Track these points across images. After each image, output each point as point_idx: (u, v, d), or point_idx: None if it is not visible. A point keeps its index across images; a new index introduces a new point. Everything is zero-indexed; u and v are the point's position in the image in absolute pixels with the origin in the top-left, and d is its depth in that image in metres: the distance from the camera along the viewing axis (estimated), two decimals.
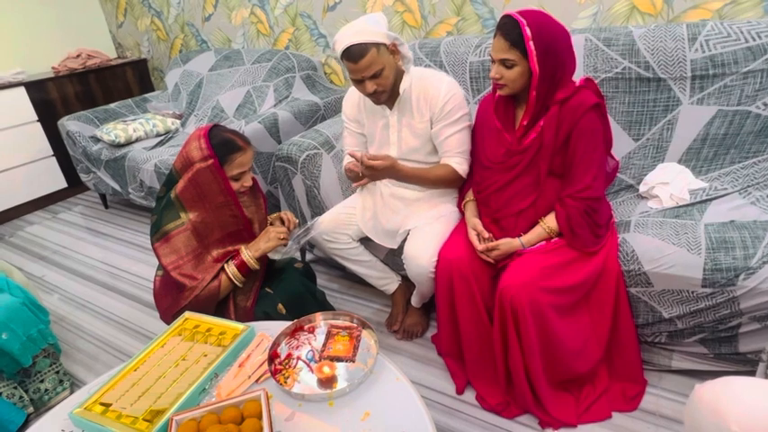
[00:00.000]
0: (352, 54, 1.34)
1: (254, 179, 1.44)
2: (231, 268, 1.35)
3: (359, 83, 1.41)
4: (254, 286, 1.42)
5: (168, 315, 1.38)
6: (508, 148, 1.34)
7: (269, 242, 1.37)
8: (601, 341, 1.34)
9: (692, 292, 1.24)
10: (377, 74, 1.37)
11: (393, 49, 1.40)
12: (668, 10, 1.74)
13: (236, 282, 1.35)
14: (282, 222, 1.51)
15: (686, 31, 1.54)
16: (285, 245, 1.40)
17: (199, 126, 2.62)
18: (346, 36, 1.34)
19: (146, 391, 1.02)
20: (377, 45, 1.34)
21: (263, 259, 1.42)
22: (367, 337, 1.13)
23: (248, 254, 1.36)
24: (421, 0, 2.23)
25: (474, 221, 1.43)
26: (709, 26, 1.52)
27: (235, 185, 1.34)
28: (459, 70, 1.90)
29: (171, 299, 1.35)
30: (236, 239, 1.40)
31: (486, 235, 1.38)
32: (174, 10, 3.20)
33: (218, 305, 1.37)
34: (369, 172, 1.40)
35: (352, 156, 1.41)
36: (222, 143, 1.31)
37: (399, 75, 1.46)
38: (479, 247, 1.36)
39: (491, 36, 1.88)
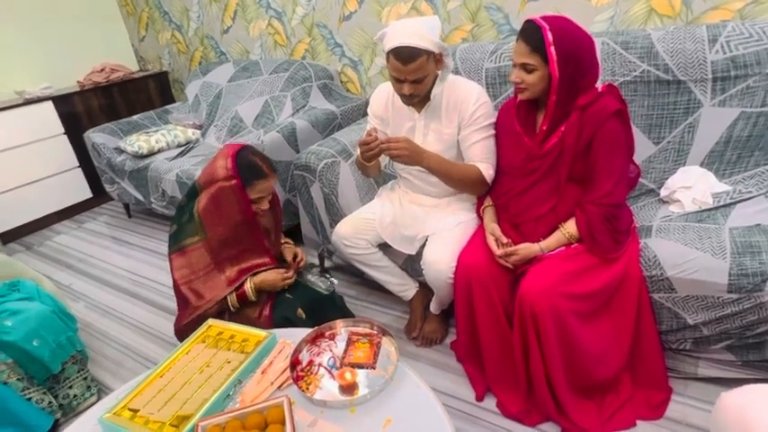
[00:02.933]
0: (403, 55, 1.32)
1: (274, 193, 1.47)
2: (232, 298, 1.40)
3: (398, 81, 1.40)
4: (264, 302, 1.44)
5: (176, 328, 1.44)
6: (528, 152, 1.34)
7: (274, 285, 1.42)
8: (623, 348, 1.32)
9: (718, 298, 1.22)
10: (418, 80, 1.37)
11: (438, 59, 1.39)
12: (687, 11, 1.72)
13: (231, 307, 1.41)
14: (295, 256, 1.56)
15: (706, 32, 1.52)
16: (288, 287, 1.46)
17: (218, 145, 2.69)
18: (401, 34, 1.32)
19: (172, 396, 1.04)
20: (428, 53, 1.34)
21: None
22: (387, 344, 1.14)
23: (251, 286, 1.40)
24: (436, 7, 2.24)
25: (492, 226, 1.43)
26: (729, 27, 1.50)
27: (252, 207, 1.38)
28: (476, 77, 1.90)
29: (180, 314, 1.40)
30: (250, 255, 1.43)
31: (505, 240, 1.38)
32: (194, 23, 3.28)
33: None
34: (388, 150, 1.39)
35: (370, 134, 1.41)
36: (248, 166, 1.34)
37: (435, 81, 1.46)
38: (498, 251, 1.36)
39: (506, 42, 1.89)
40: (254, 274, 1.43)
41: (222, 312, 1.42)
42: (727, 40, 1.49)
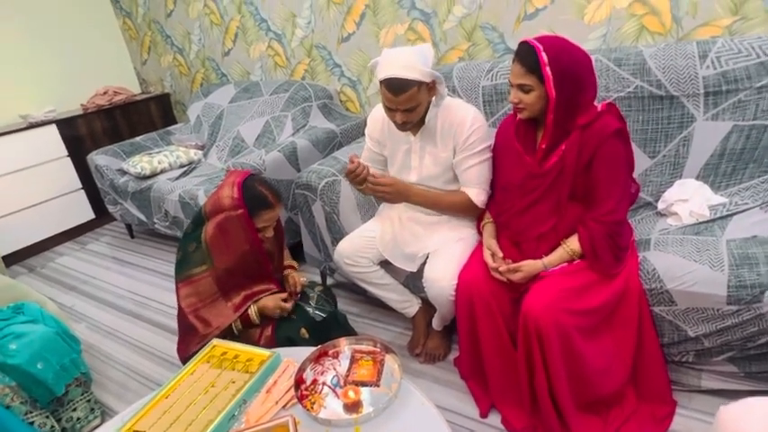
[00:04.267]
0: (393, 86, 1.34)
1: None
2: (237, 324, 1.42)
3: (390, 110, 1.43)
4: (266, 323, 1.46)
5: (181, 356, 1.45)
6: (529, 170, 1.36)
7: (273, 311, 1.43)
8: (626, 362, 1.32)
9: (718, 310, 1.23)
10: (410, 108, 1.39)
11: (431, 87, 1.41)
12: (677, 28, 1.77)
13: (235, 331, 1.42)
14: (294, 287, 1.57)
15: (696, 48, 1.56)
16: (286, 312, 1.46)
17: (219, 165, 2.72)
18: (393, 65, 1.34)
19: (177, 418, 1.05)
20: (419, 83, 1.35)
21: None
22: (390, 362, 1.15)
23: (255, 311, 1.42)
24: (432, 28, 2.29)
25: (490, 242, 1.44)
26: (719, 43, 1.53)
27: (258, 235, 1.40)
28: (473, 95, 1.94)
29: (185, 340, 1.41)
30: (255, 281, 1.45)
31: (501, 254, 1.39)
32: (196, 46, 3.35)
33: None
34: (371, 191, 1.46)
35: (352, 161, 1.45)
36: (254, 197, 1.36)
37: (428, 106, 1.48)
38: (493, 265, 1.37)
39: (502, 60, 1.93)
40: (257, 299, 1.44)
41: (225, 336, 1.42)
42: (717, 56, 1.52)
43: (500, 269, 1.36)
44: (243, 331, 1.43)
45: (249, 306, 1.42)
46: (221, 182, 1.41)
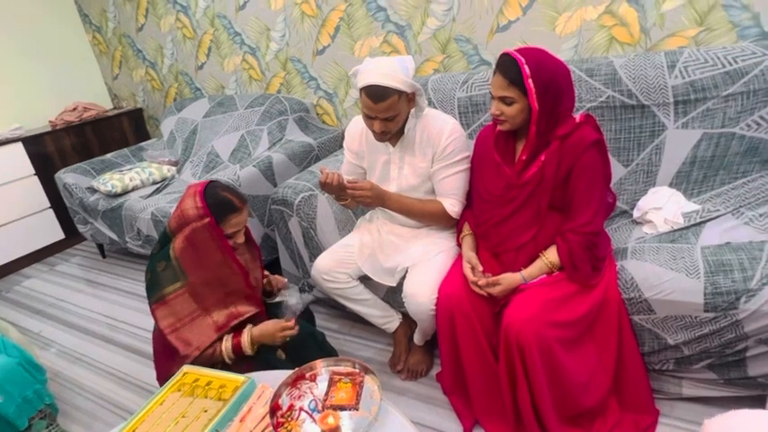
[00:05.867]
0: (373, 94, 1.34)
1: (246, 229, 1.44)
2: (227, 344, 1.31)
3: (369, 118, 1.42)
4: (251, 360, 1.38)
5: (162, 379, 1.36)
6: (508, 181, 1.35)
7: (273, 338, 1.33)
8: (608, 372, 1.31)
9: (695, 318, 1.23)
10: (389, 118, 1.39)
11: (411, 98, 1.42)
12: (646, 39, 1.80)
13: (227, 360, 1.31)
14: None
15: (665, 58, 1.59)
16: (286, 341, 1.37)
17: (193, 181, 2.66)
18: (374, 73, 1.34)
19: None
20: (399, 92, 1.35)
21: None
22: (370, 383, 1.11)
23: (248, 339, 1.32)
24: (407, 40, 2.30)
25: (469, 255, 1.43)
26: (686, 53, 1.57)
27: (228, 242, 1.34)
28: (448, 106, 1.94)
29: (166, 364, 1.33)
30: (236, 298, 1.37)
31: (480, 268, 1.38)
32: (168, 60, 3.29)
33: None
34: (350, 197, 1.46)
35: (323, 173, 1.43)
36: (219, 203, 1.31)
37: (407, 117, 1.48)
38: (472, 278, 1.36)
39: (477, 72, 1.93)
40: (252, 324, 1.36)
41: (215, 364, 1.32)
42: (684, 66, 1.55)
43: (479, 283, 1.34)
44: (237, 361, 1.34)
45: (244, 332, 1.33)
46: (181, 197, 1.36)
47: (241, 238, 1.38)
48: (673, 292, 1.23)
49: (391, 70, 1.33)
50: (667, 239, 1.42)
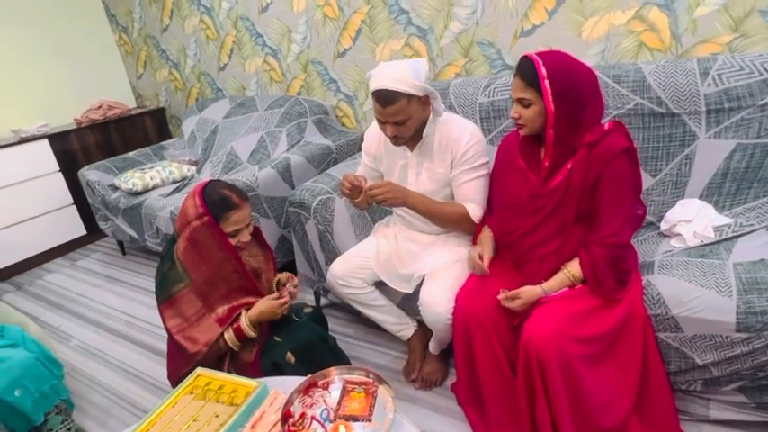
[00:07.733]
0: (381, 98, 1.34)
1: (257, 229, 1.43)
2: (229, 334, 1.33)
3: (381, 123, 1.42)
4: (258, 342, 1.38)
5: (172, 380, 1.37)
6: (533, 189, 1.32)
7: (274, 313, 1.34)
8: (631, 390, 1.26)
9: (726, 338, 1.17)
10: (400, 122, 1.37)
11: (425, 101, 1.40)
12: (677, 45, 1.74)
13: (234, 347, 1.34)
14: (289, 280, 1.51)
15: (697, 65, 1.53)
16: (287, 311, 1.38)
17: (210, 175, 2.68)
18: (383, 78, 1.34)
19: None
20: (409, 96, 1.34)
21: (264, 325, 1.39)
22: (383, 393, 1.09)
23: (246, 321, 1.33)
24: (429, 44, 2.27)
25: (483, 242, 1.42)
26: (720, 60, 1.50)
27: (232, 241, 1.33)
28: (470, 111, 1.91)
29: (175, 362, 1.33)
30: (240, 293, 1.38)
31: (488, 255, 1.37)
32: (191, 61, 3.33)
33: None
34: (371, 199, 1.43)
35: (345, 178, 1.43)
36: (217, 201, 1.30)
37: (425, 122, 1.45)
38: (478, 261, 1.36)
39: (500, 77, 1.90)
40: (247, 309, 1.37)
41: (223, 357, 1.35)
42: (718, 73, 1.49)
43: (498, 297, 1.30)
44: (238, 352, 1.36)
45: (239, 316, 1.34)
46: (184, 198, 1.36)
47: (246, 237, 1.36)
48: (702, 310, 1.18)
49: (401, 74, 1.32)
50: (697, 254, 1.36)
